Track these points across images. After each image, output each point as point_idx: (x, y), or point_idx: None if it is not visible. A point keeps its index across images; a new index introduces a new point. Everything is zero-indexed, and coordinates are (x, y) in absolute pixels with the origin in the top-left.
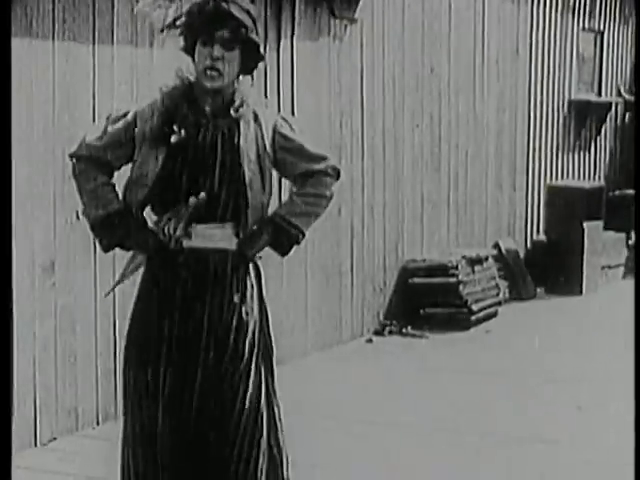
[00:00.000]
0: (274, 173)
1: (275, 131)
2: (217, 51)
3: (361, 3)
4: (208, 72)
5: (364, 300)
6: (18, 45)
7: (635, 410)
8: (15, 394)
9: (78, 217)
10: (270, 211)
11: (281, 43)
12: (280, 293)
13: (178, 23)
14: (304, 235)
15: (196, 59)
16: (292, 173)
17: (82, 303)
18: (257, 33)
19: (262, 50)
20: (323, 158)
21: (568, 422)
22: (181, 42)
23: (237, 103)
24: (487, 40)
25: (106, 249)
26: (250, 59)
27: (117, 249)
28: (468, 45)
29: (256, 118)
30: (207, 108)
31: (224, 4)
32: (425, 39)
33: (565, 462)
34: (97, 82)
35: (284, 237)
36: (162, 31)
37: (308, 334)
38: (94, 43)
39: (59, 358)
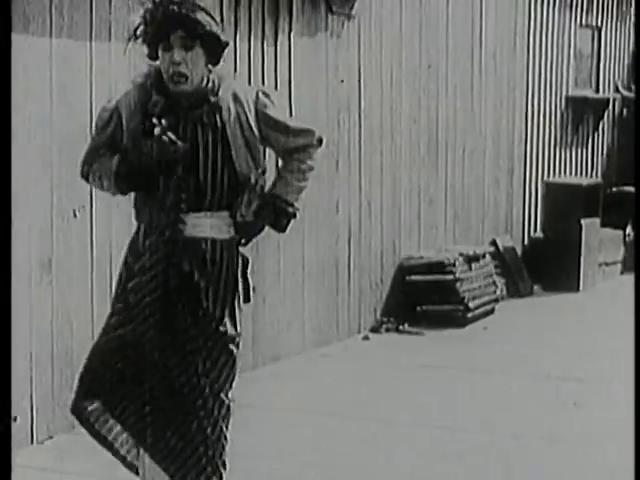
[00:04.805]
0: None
1: (257, 109)
2: (177, 55)
3: None
4: (174, 78)
5: (361, 297)
6: (15, 42)
7: (635, 408)
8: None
9: (75, 215)
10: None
11: (278, 39)
12: (277, 289)
13: (138, 33)
14: (298, 210)
15: (160, 65)
16: (279, 149)
17: (79, 301)
18: (217, 24)
19: (223, 38)
20: (307, 131)
21: (565, 419)
22: (145, 50)
23: (215, 89)
24: (484, 36)
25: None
26: (214, 50)
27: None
28: (465, 41)
29: (235, 98)
30: (182, 101)
31: (173, 7)
32: (422, 35)
33: (562, 459)
34: (94, 79)
35: (283, 216)
36: (129, 41)
37: (305, 331)
38: (91, 40)
39: (56, 356)
